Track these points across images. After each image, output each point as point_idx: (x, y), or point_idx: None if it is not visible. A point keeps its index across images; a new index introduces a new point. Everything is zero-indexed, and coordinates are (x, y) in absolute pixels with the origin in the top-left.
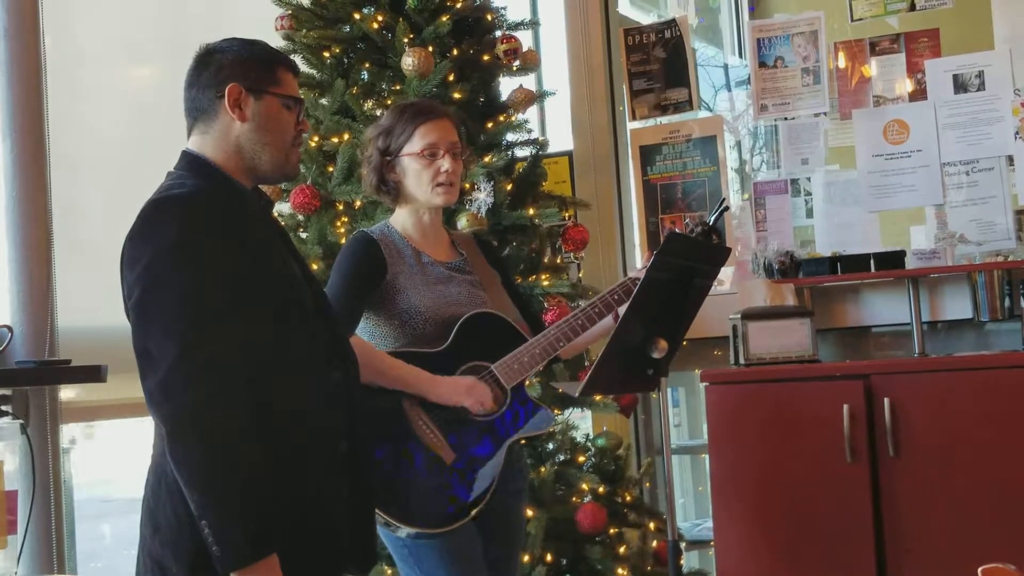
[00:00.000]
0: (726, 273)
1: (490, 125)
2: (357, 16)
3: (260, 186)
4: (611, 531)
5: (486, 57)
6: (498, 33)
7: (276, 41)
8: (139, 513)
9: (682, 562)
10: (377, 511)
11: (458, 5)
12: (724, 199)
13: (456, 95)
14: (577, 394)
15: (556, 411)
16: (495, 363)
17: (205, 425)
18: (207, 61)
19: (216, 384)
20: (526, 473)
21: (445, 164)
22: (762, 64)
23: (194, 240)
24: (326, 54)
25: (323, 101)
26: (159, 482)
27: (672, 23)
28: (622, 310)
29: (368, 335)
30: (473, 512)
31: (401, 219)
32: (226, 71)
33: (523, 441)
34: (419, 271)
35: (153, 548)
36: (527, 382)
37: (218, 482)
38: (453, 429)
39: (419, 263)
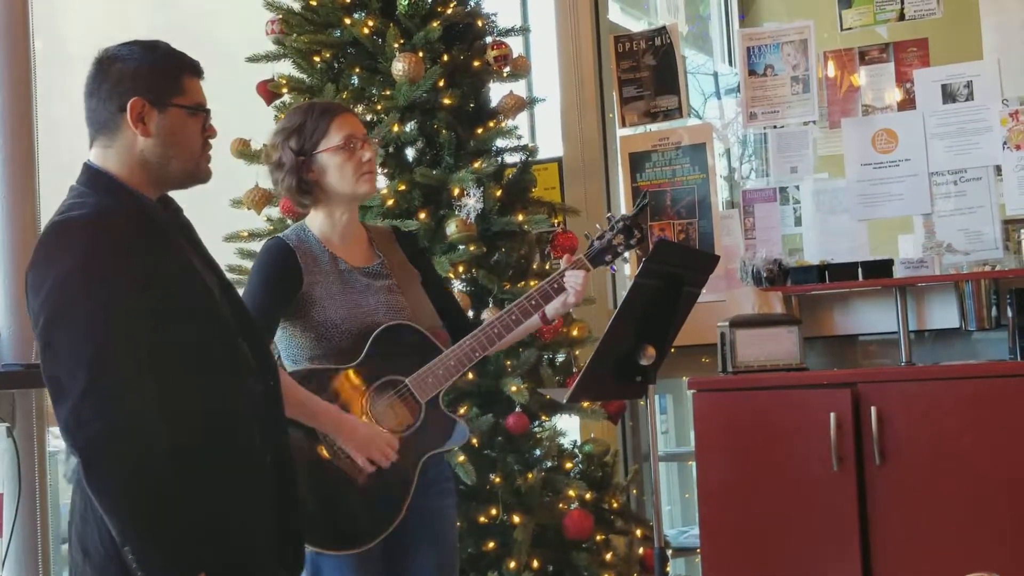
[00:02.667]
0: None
1: (480, 131)
2: (348, 21)
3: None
4: (598, 538)
5: (476, 63)
6: (488, 39)
7: (266, 45)
8: None
9: (668, 569)
10: None
11: (449, 11)
12: (646, 194)
13: (446, 100)
14: (565, 400)
15: (543, 417)
16: (409, 376)
17: (118, 452)
18: (106, 70)
19: (127, 410)
20: (447, 474)
21: (366, 154)
22: (752, 72)
23: (96, 264)
24: (316, 59)
25: None
26: (86, 507)
27: (662, 30)
28: (550, 310)
29: (285, 345)
30: (388, 531)
31: (318, 221)
32: (127, 83)
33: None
34: (336, 279)
35: (85, 573)
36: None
37: (136, 508)
38: None
39: (336, 270)
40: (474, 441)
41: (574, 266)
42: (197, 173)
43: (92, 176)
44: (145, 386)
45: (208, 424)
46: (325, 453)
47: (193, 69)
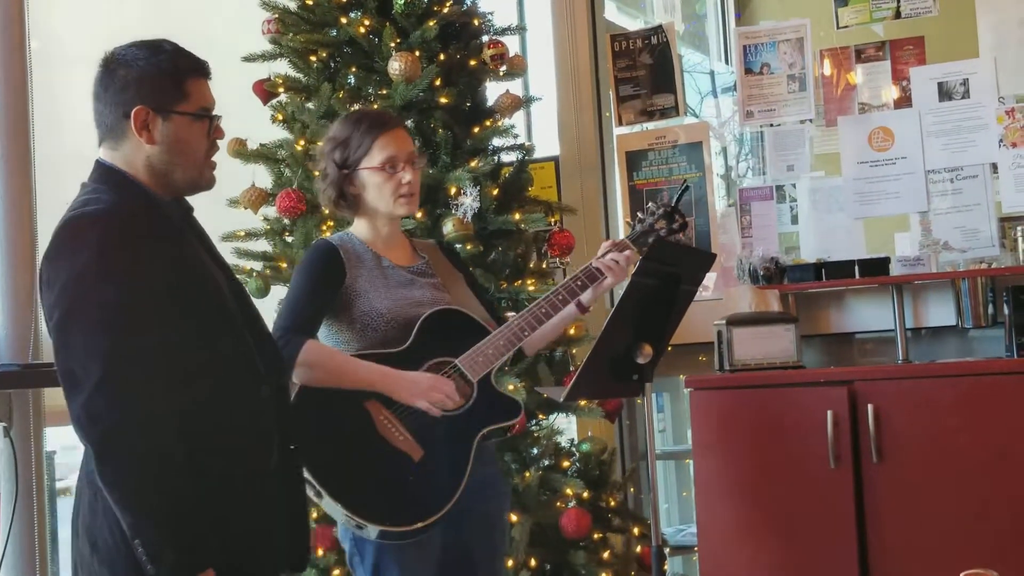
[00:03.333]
0: (711, 279)
1: (476, 130)
2: (344, 20)
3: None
4: (595, 536)
5: (473, 62)
6: (485, 38)
7: (263, 45)
8: None
9: (666, 567)
10: (345, 513)
11: (445, 10)
12: (686, 181)
13: (443, 100)
14: (562, 399)
15: (541, 416)
16: (459, 357)
17: (132, 445)
18: (112, 74)
19: (141, 404)
20: (502, 477)
21: (406, 176)
22: (748, 71)
23: (112, 258)
24: (313, 58)
25: (309, 105)
26: (95, 498)
27: (658, 29)
28: (586, 297)
29: (332, 341)
30: (444, 509)
31: (362, 229)
32: (131, 91)
33: (490, 435)
34: (379, 275)
35: (92, 566)
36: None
37: (148, 502)
38: (419, 424)
39: (380, 266)
40: None
41: (616, 248)
42: (200, 182)
43: (105, 173)
44: (158, 380)
45: (216, 421)
46: (380, 432)
47: (198, 71)
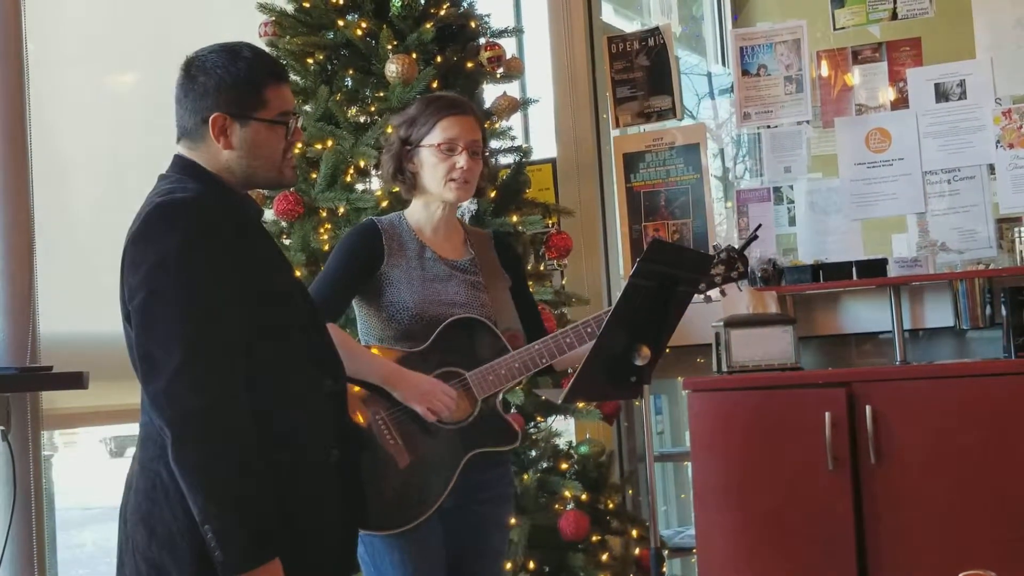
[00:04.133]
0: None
1: None
2: (341, 23)
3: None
4: (594, 538)
5: (470, 64)
6: (482, 40)
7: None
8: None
9: (664, 569)
10: None
11: (442, 12)
12: (760, 226)
13: None
14: (560, 401)
15: (539, 418)
16: (471, 371)
17: (210, 430)
18: (192, 79)
19: (220, 389)
20: (509, 479)
21: (461, 161)
22: (745, 72)
23: (199, 244)
24: (310, 61)
25: (307, 108)
26: (153, 487)
27: (655, 31)
28: None
29: (360, 323)
30: (418, 520)
31: (416, 211)
32: (210, 99)
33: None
34: (417, 266)
35: (149, 553)
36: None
37: (222, 486)
38: (412, 432)
39: (420, 258)
40: None
41: None
42: (281, 180)
43: (186, 166)
44: (237, 367)
45: (285, 413)
46: (371, 434)
47: (277, 76)
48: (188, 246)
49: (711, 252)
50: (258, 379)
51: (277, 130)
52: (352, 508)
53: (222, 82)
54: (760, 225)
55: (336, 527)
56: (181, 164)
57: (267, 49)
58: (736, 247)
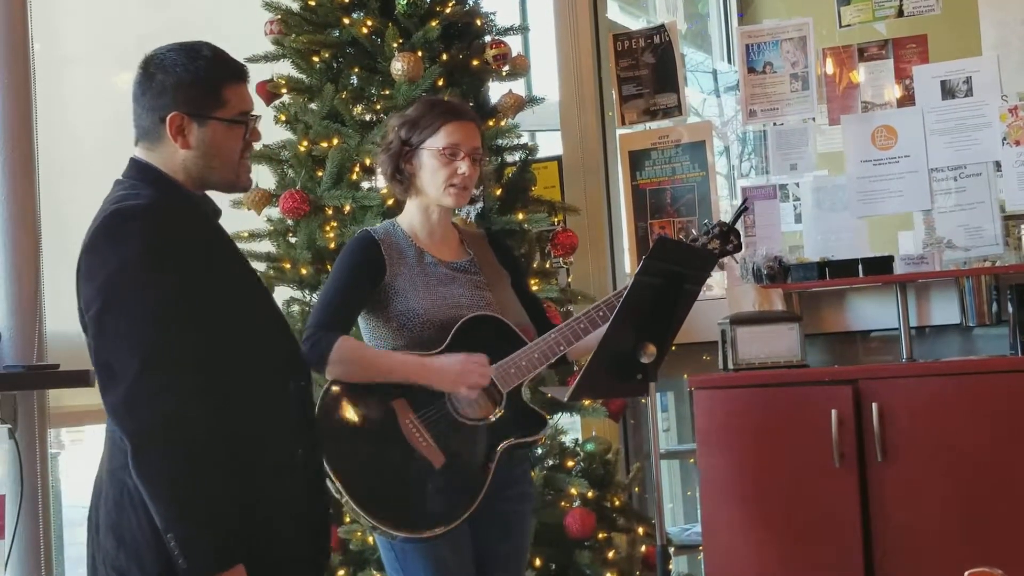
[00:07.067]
0: (715, 278)
1: None
2: (346, 21)
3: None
4: (600, 536)
5: (475, 62)
6: (487, 38)
7: (265, 46)
8: None
9: (671, 567)
10: (367, 517)
11: (448, 10)
12: (746, 200)
13: (446, 100)
14: (566, 399)
15: (545, 415)
16: (492, 366)
17: (169, 438)
18: (150, 78)
19: (179, 397)
20: (528, 478)
21: (463, 167)
22: (751, 70)
23: (155, 252)
24: (315, 59)
25: (312, 106)
26: (121, 494)
27: (661, 29)
28: None
29: (368, 336)
30: (462, 518)
31: (409, 215)
32: (167, 97)
33: (513, 448)
34: (420, 272)
35: (117, 561)
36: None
37: (183, 495)
38: (444, 432)
39: (421, 264)
40: None
41: None
42: (236, 182)
43: (141, 170)
44: (195, 375)
45: (248, 417)
46: (404, 436)
47: (236, 75)
48: (142, 255)
49: (701, 229)
50: (219, 383)
51: (235, 130)
52: (318, 506)
53: (181, 80)
54: (748, 198)
55: (305, 526)
56: (137, 168)
57: (273, 47)
58: (727, 221)
